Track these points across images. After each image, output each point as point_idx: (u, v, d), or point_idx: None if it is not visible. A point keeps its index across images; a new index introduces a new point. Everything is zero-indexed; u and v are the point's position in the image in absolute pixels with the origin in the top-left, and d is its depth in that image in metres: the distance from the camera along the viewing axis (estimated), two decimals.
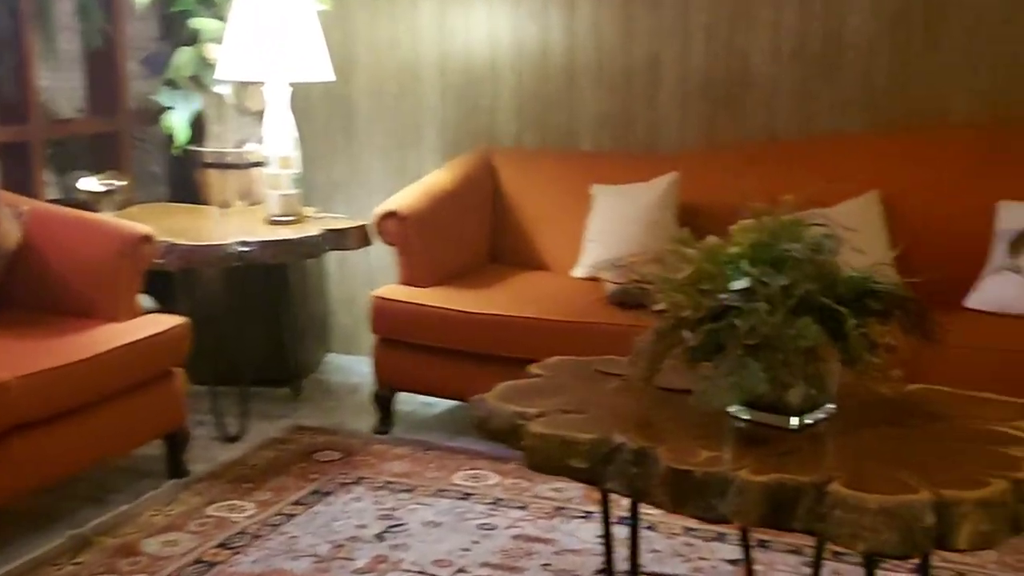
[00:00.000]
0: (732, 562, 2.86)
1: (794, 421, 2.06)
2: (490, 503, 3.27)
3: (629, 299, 3.46)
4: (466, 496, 3.32)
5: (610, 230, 3.94)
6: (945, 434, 2.03)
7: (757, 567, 2.76)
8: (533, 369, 2.47)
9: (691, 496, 1.87)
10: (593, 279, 3.86)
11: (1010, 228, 3.45)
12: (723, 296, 2.03)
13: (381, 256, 4.33)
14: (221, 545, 2.99)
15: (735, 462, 1.88)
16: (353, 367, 4.66)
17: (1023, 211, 3.46)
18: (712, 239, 2.12)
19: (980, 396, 2.22)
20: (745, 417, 2.10)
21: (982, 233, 3.52)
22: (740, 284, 2.02)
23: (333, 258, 4.66)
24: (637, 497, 2.06)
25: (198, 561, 2.90)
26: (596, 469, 2.01)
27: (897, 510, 1.68)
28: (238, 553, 2.95)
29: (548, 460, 2.06)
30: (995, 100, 3.78)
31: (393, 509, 3.22)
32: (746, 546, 2.62)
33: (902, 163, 3.76)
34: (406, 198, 3.99)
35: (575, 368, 2.47)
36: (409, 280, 3.91)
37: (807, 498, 1.77)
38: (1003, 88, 3.76)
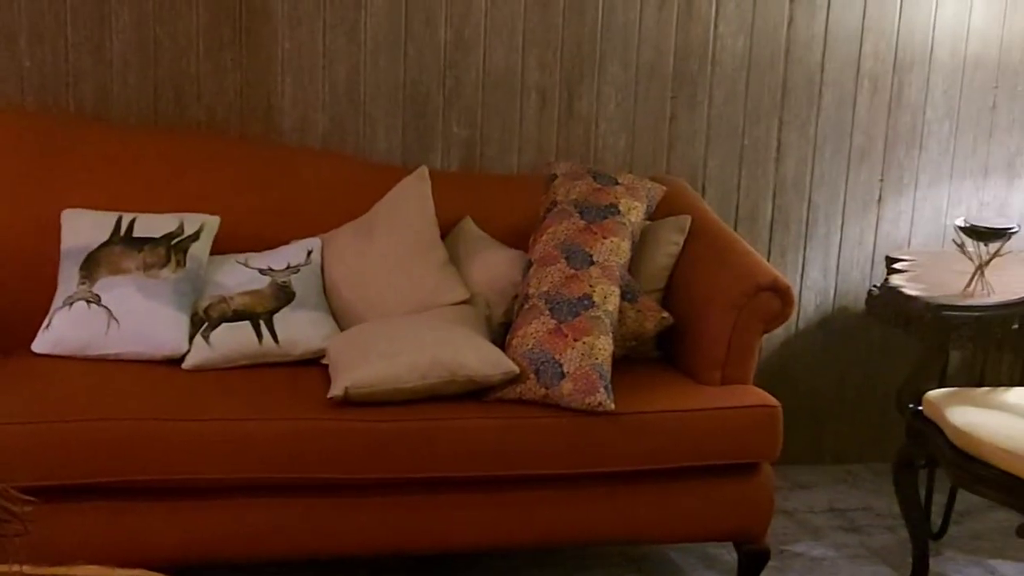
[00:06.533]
0: None
1: None
2: None
3: None
4: None
5: None
6: None
7: None
8: None
9: None
10: None
11: (79, 244, 2.82)
12: None
13: None
14: None
15: None
16: None
17: (93, 221, 2.85)
18: None
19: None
20: None
21: (51, 252, 2.84)
22: None
23: None
24: None
25: None
26: None
27: None
28: None
29: None
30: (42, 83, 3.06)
31: None
32: None
33: None
34: None
35: None
36: None
37: None
38: (49, 71, 3.04)
